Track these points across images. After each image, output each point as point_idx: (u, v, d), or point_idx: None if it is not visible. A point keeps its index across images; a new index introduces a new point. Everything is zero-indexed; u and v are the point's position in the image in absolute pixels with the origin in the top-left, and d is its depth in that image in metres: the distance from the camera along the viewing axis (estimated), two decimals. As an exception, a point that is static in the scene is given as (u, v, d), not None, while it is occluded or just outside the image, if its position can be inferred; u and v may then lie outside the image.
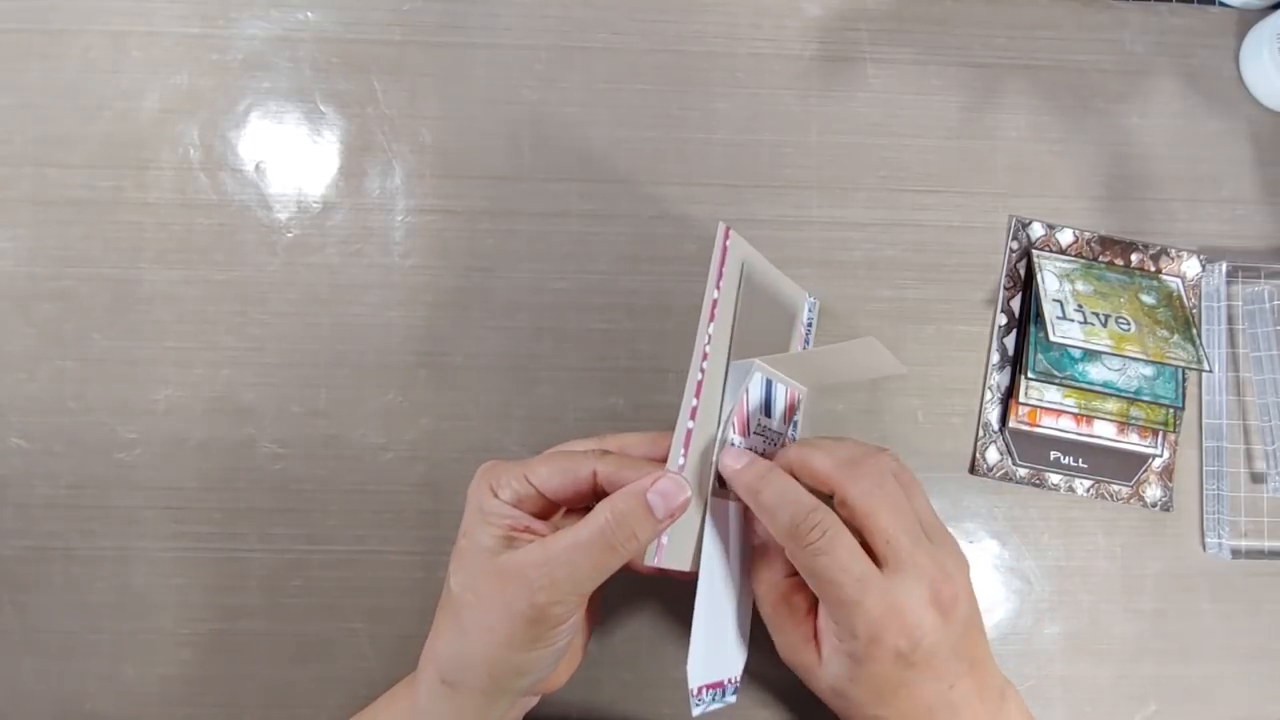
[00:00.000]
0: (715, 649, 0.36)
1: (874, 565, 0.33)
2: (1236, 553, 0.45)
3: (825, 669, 0.35)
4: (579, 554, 0.32)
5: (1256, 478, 0.47)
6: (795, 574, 0.37)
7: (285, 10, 0.46)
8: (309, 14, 0.46)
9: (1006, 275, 0.46)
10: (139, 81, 0.45)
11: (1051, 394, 0.45)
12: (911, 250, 0.47)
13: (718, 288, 0.36)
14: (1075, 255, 0.46)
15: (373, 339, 0.45)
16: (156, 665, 0.43)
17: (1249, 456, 0.47)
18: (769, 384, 0.38)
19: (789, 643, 0.37)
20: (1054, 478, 0.46)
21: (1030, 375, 0.45)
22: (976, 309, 0.47)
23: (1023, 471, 0.45)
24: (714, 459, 0.35)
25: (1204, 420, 0.47)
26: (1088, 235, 0.47)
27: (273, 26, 0.46)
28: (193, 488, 0.44)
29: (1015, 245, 0.47)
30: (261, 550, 0.44)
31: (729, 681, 0.37)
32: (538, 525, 0.35)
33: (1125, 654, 0.45)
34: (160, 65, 0.46)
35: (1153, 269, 0.47)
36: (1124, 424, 0.45)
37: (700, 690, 0.35)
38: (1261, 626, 0.46)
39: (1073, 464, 0.46)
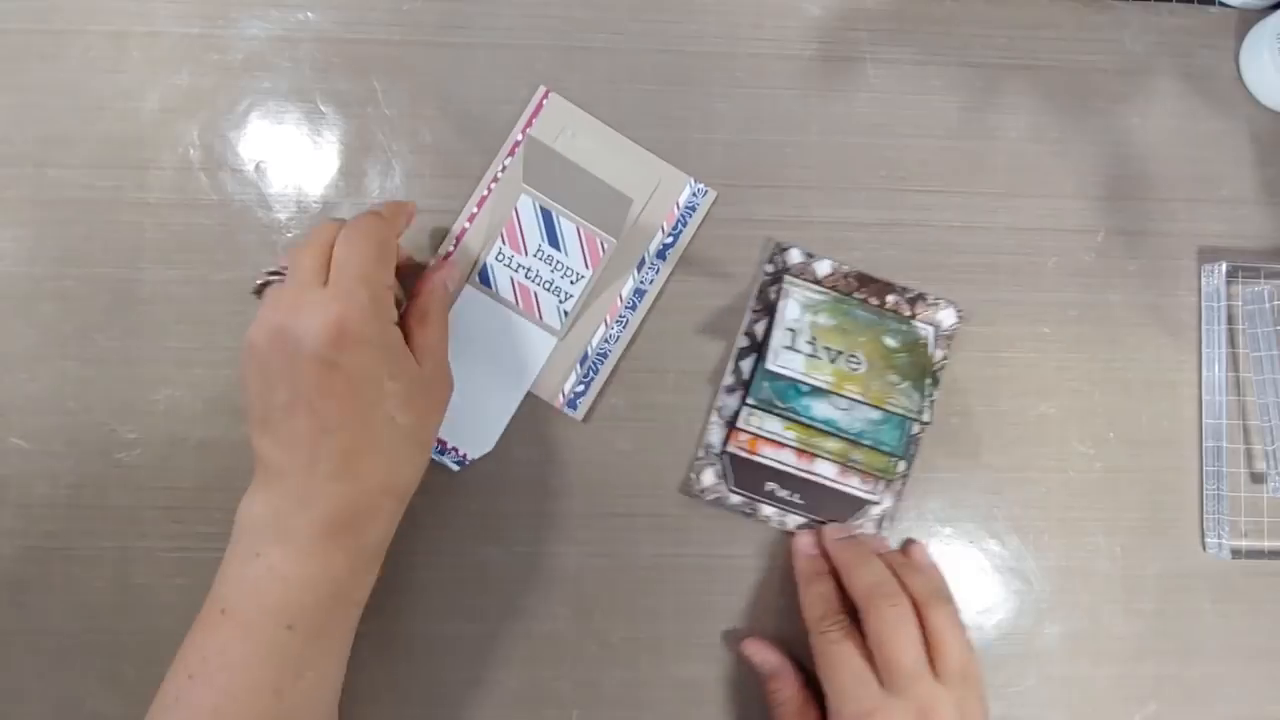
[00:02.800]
0: (458, 413, 0.42)
1: (878, 681, 0.38)
2: (1236, 553, 0.45)
3: None
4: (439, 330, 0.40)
5: (1256, 478, 0.47)
6: (808, 687, 0.42)
7: (285, 10, 0.46)
8: (309, 14, 0.46)
9: (755, 298, 0.45)
10: (139, 81, 0.45)
11: (773, 424, 0.44)
12: (911, 250, 0.47)
13: (522, 133, 0.45)
14: (830, 288, 0.45)
15: (373, 339, 0.45)
16: (156, 665, 0.43)
17: (1249, 456, 0.47)
18: (548, 215, 0.44)
19: None
20: (767, 509, 0.44)
21: (750, 402, 0.43)
22: (977, 309, 0.47)
23: (735, 499, 0.44)
24: (478, 257, 0.45)
25: (1204, 420, 0.47)
26: (846, 269, 0.45)
27: (273, 26, 0.46)
28: (193, 488, 0.44)
29: (771, 269, 0.45)
30: (261, 550, 0.44)
31: (455, 450, 0.44)
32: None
33: (1125, 654, 0.45)
34: (160, 65, 0.46)
35: (908, 313, 0.45)
36: (845, 465, 0.44)
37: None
38: (1261, 626, 0.46)
39: (788, 498, 0.44)
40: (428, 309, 0.40)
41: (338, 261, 0.36)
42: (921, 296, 0.46)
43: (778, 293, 0.45)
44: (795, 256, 0.45)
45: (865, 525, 0.45)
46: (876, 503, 0.44)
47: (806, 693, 0.42)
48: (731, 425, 0.44)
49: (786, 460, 0.44)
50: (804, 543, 0.44)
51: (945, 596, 0.41)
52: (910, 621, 0.39)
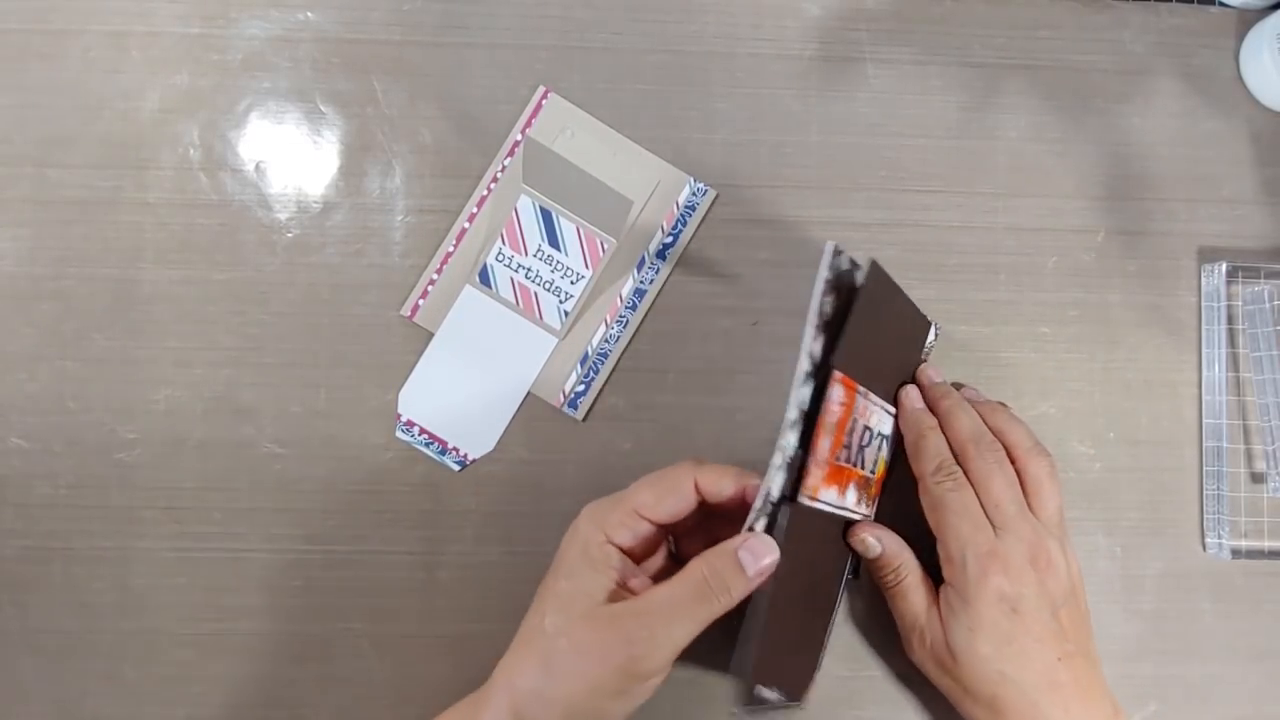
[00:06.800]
0: (458, 413, 0.44)
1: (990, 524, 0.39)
2: (1236, 553, 0.45)
3: (950, 633, 0.39)
4: (677, 609, 0.34)
5: (1256, 478, 0.47)
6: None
7: (285, 10, 0.46)
8: (309, 14, 0.46)
9: (816, 313, 0.35)
10: (139, 81, 0.45)
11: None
12: (911, 250, 0.47)
13: (522, 133, 0.46)
14: None
15: (373, 339, 0.45)
16: (156, 665, 0.43)
17: (1249, 456, 0.47)
18: (548, 215, 0.44)
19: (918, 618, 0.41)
20: None
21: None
22: (977, 309, 0.47)
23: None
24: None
25: (1204, 420, 0.47)
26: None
27: (273, 26, 0.46)
28: (193, 488, 0.44)
29: (829, 276, 0.35)
30: (261, 550, 0.44)
31: (455, 450, 0.44)
32: (636, 583, 0.36)
33: (1125, 654, 0.45)
34: (160, 65, 0.46)
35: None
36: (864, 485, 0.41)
37: (411, 426, 0.44)
38: (1261, 626, 0.46)
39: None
40: (687, 576, 0.35)
41: None
42: None
43: (844, 304, 0.37)
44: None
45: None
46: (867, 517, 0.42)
47: (923, 570, 0.41)
48: (801, 467, 0.36)
49: (847, 504, 0.39)
50: (911, 395, 0.43)
51: (1042, 449, 0.41)
52: (1008, 466, 0.40)
